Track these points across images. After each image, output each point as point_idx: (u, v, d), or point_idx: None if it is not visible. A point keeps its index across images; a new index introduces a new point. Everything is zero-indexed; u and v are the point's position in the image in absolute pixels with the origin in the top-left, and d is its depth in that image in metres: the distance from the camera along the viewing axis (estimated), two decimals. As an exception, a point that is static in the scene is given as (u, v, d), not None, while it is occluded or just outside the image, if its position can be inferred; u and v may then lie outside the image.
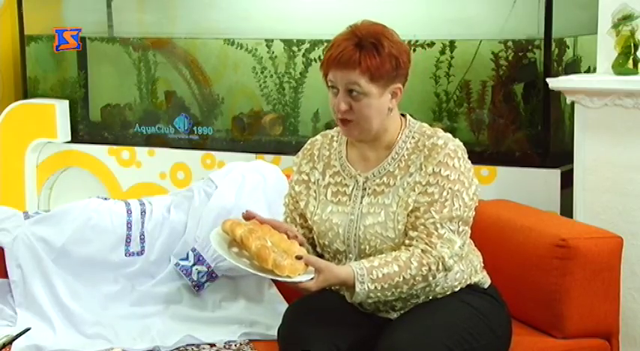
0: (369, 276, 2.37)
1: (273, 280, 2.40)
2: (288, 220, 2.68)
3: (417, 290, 2.45)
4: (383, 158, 2.54)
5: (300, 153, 2.68)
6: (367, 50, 2.43)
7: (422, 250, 2.42)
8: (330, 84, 2.49)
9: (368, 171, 2.55)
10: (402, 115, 2.58)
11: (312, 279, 2.34)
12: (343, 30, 2.51)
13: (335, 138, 2.64)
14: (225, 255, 2.39)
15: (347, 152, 2.60)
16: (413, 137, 2.53)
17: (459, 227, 2.47)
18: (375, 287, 2.38)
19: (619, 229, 3.00)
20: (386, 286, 2.39)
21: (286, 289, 2.83)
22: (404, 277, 2.40)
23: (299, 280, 2.32)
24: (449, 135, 2.53)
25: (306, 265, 2.36)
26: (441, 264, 2.43)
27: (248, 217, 2.51)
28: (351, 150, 2.59)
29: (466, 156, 2.51)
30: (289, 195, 2.69)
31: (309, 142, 2.69)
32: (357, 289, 2.37)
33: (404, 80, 2.51)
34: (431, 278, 2.43)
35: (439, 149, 2.47)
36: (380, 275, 2.38)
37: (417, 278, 2.41)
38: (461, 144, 2.52)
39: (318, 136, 2.68)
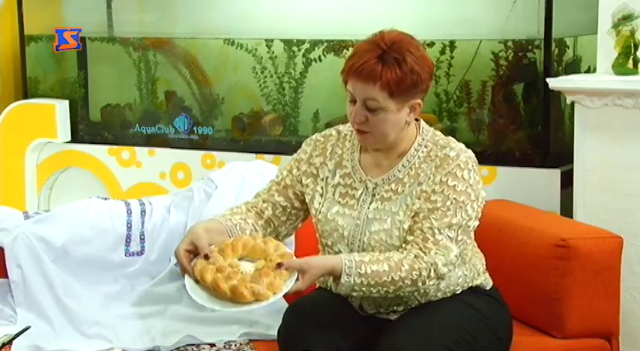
0: (357, 270, 2.35)
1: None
2: (274, 188, 2.62)
3: (405, 293, 2.43)
4: (394, 165, 2.52)
5: (311, 142, 2.63)
6: (389, 65, 2.37)
7: (415, 256, 2.39)
8: (348, 93, 2.45)
9: (378, 177, 2.53)
10: (416, 119, 2.54)
11: (297, 280, 2.32)
12: (368, 37, 2.45)
13: (348, 137, 2.60)
14: (210, 304, 2.35)
15: (360, 156, 2.57)
16: (426, 146, 2.50)
17: (457, 235, 2.43)
18: (362, 282, 2.35)
19: (619, 229, 3.00)
20: (372, 282, 2.36)
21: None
22: (392, 278, 2.37)
23: (284, 292, 2.31)
24: (462, 146, 2.50)
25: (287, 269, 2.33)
26: (432, 271, 2.39)
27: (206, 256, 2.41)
28: (365, 154, 2.56)
29: (477, 168, 2.48)
30: (289, 171, 2.63)
31: (322, 134, 2.64)
32: (343, 281, 2.35)
33: (424, 95, 2.47)
34: (420, 284, 2.40)
35: (450, 161, 2.45)
36: (368, 271, 2.35)
37: (405, 281, 2.38)
38: (473, 156, 2.49)
39: (333, 132, 2.62)
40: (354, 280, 2.35)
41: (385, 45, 2.40)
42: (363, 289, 2.37)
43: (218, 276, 2.33)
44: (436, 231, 2.41)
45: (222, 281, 2.31)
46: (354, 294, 2.40)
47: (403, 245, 2.44)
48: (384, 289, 2.39)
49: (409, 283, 2.39)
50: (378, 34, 2.45)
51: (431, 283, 2.41)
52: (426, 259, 2.39)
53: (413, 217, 2.44)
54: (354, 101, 2.43)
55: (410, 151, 2.51)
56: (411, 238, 2.43)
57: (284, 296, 2.91)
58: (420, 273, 2.39)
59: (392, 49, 2.39)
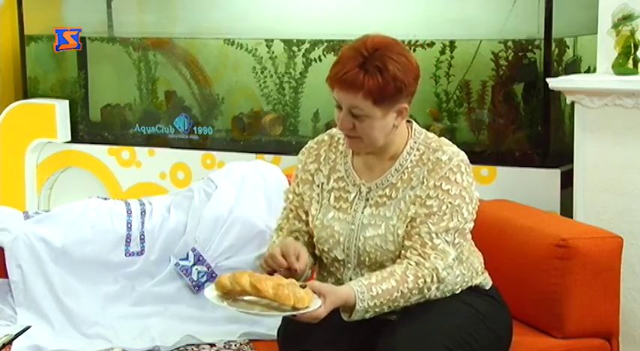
0: (369, 293, 2.34)
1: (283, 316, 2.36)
2: (291, 216, 2.62)
3: (412, 302, 2.43)
4: (387, 169, 2.51)
5: (305, 151, 2.63)
6: (370, 74, 2.36)
7: (415, 263, 2.40)
8: (335, 99, 2.45)
9: (372, 181, 2.52)
10: (408, 121, 2.53)
11: (320, 306, 2.29)
12: (353, 42, 2.44)
13: (341, 140, 2.59)
14: (242, 310, 2.31)
15: (353, 158, 2.57)
16: (418, 149, 2.50)
17: (454, 239, 2.44)
18: (375, 304, 2.35)
19: (619, 229, 3.00)
20: (384, 301, 2.36)
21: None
22: (401, 292, 2.37)
23: (313, 308, 2.28)
24: (454, 148, 2.49)
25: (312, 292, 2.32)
26: (435, 276, 2.40)
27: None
28: (357, 157, 2.56)
29: (470, 170, 2.48)
30: (292, 192, 2.64)
31: (315, 141, 2.64)
32: (358, 307, 2.34)
33: (410, 98, 2.46)
34: (426, 291, 2.41)
35: (442, 165, 2.44)
36: (379, 291, 2.35)
37: (413, 292, 2.39)
38: (465, 158, 2.48)
39: (325, 137, 2.63)
40: (367, 303, 2.35)
41: (367, 52, 2.38)
42: (377, 309, 2.37)
43: (257, 279, 2.30)
44: (434, 235, 2.41)
45: (263, 282, 2.29)
46: (367, 316, 2.38)
47: (402, 252, 2.44)
48: (395, 304, 2.39)
49: (416, 293, 2.40)
50: (361, 39, 2.43)
51: (434, 287, 2.42)
52: (427, 265, 2.40)
53: (410, 222, 2.44)
54: (340, 107, 2.44)
55: (402, 155, 2.50)
56: (409, 243, 2.43)
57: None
58: (425, 280, 2.40)
59: (374, 56, 2.38)
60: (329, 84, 2.43)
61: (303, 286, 2.32)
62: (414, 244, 2.42)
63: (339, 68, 2.40)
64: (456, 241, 2.45)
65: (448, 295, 2.51)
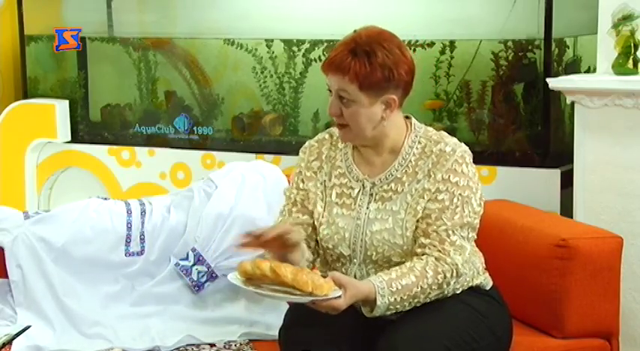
0: (389, 288, 2.35)
1: (303, 303, 2.36)
2: (295, 209, 2.61)
3: (431, 298, 2.44)
4: (389, 163, 2.53)
5: (306, 149, 2.64)
6: (359, 58, 2.41)
7: (436, 258, 2.41)
8: (327, 86, 2.48)
9: (374, 176, 2.53)
10: (407, 117, 2.56)
11: (339, 296, 2.30)
12: (349, 33, 2.49)
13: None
14: (258, 290, 2.32)
15: (353, 155, 2.58)
16: (419, 142, 2.52)
17: (468, 234, 2.47)
18: (395, 299, 2.36)
19: (619, 229, 3.00)
20: (405, 297, 2.37)
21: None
22: (421, 287, 2.39)
23: (333, 296, 2.28)
24: (455, 140, 2.52)
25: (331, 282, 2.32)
26: (455, 271, 2.42)
27: (257, 235, 2.38)
28: (357, 153, 2.57)
29: (472, 160, 2.50)
30: (296, 187, 2.63)
31: (315, 139, 2.65)
32: (379, 303, 2.35)
33: (402, 92, 2.47)
34: (445, 286, 2.43)
35: (447, 156, 2.46)
36: (399, 287, 2.36)
37: (432, 287, 2.41)
38: (467, 149, 2.51)
39: (326, 136, 2.64)
40: (388, 299, 2.35)
41: (360, 39, 2.44)
42: (397, 306, 2.38)
43: (278, 264, 2.32)
44: (450, 232, 2.43)
45: (282, 267, 2.29)
46: (388, 313, 2.39)
47: (420, 250, 2.45)
48: (415, 300, 2.40)
49: (435, 288, 2.42)
50: (357, 30, 2.48)
51: (452, 282, 2.44)
52: (448, 260, 2.42)
53: (424, 218, 2.46)
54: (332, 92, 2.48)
55: (404, 148, 2.52)
56: (427, 240, 2.44)
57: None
58: (445, 275, 2.41)
59: (364, 43, 2.43)
60: (322, 70, 2.48)
61: (324, 276, 2.32)
62: (432, 241, 2.44)
63: (332, 53, 2.46)
64: (470, 236, 2.48)
65: (449, 295, 2.51)
